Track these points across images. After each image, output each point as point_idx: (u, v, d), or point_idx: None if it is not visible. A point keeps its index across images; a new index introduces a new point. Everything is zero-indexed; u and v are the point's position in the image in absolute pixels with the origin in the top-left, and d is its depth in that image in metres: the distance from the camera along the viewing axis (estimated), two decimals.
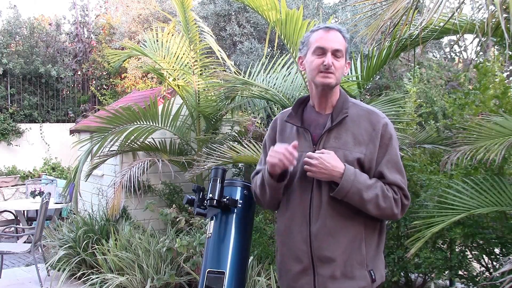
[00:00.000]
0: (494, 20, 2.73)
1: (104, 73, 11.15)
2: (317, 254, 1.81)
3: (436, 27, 3.34)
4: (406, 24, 2.80)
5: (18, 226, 6.84)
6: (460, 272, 3.62)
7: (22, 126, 9.83)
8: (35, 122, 10.17)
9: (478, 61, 3.88)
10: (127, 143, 5.22)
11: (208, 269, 1.89)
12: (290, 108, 1.99)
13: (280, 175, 1.85)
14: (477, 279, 3.57)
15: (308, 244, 1.82)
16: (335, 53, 1.82)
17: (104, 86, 11.20)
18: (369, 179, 1.79)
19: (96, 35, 11.65)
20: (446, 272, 3.62)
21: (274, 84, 4.56)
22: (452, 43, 7.55)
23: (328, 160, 1.75)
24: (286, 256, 1.91)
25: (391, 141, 1.84)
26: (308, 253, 1.82)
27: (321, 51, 1.82)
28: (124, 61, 5.60)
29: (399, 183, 1.82)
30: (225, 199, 1.93)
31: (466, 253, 3.64)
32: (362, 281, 1.79)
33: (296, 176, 1.87)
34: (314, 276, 1.82)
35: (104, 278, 4.34)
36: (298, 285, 1.86)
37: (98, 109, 7.12)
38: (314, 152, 1.82)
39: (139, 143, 5.30)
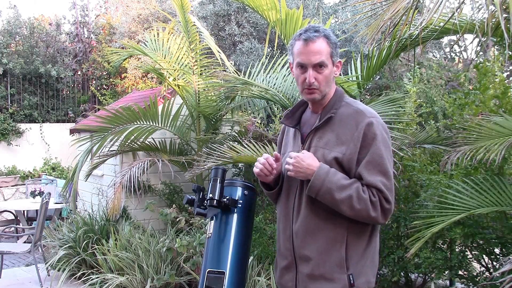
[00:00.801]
0: (494, 20, 2.73)
1: (104, 73, 11.15)
2: (297, 252, 1.85)
3: (436, 27, 3.35)
4: (406, 24, 2.80)
5: (18, 226, 6.84)
6: (460, 272, 3.62)
7: (22, 126, 9.83)
8: (35, 122, 10.17)
9: (478, 61, 3.87)
10: (127, 143, 5.22)
11: (208, 269, 1.88)
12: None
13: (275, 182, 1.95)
14: (477, 279, 3.57)
15: (291, 242, 1.87)
16: (316, 66, 1.80)
17: (104, 86, 11.20)
18: (345, 179, 1.75)
19: (96, 35, 11.65)
20: (446, 272, 3.62)
21: (274, 84, 4.56)
22: (452, 43, 7.55)
23: (304, 159, 1.78)
24: (277, 253, 2.00)
25: (375, 141, 1.76)
26: (291, 250, 1.87)
27: (302, 66, 1.82)
28: (124, 60, 5.61)
29: (379, 185, 1.73)
30: (225, 199, 1.93)
31: (466, 253, 3.64)
32: (339, 284, 1.77)
33: (285, 175, 1.92)
34: (296, 273, 1.86)
35: (104, 278, 4.34)
36: (283, 281, 1.92)
37: (98, 109, 7.12)
38: (300, 151, 1.85)
39: (139, 143, 5.30)
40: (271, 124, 5.82)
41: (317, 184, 1.74)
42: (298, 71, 1.84)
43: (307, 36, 1.80)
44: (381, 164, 1.76)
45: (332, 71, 1.85)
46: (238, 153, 3.98)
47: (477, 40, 2.97)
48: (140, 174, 4.87)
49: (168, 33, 5.47)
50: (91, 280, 4.44)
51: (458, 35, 3.59)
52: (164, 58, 5.36)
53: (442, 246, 3.81)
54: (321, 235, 1.80)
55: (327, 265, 1.78)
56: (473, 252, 3.71)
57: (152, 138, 5.36)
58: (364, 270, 1.82)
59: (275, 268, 2.02)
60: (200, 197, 1.98)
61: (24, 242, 6.39)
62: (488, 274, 3.60)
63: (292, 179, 1.88)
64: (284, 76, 4.60)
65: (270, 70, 4.83)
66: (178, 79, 5.36)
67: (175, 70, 5.29)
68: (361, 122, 1.79)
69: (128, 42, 7.97)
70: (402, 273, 3.93)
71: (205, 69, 5.31)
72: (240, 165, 5.55)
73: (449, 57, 7.63)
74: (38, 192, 6.87)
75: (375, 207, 1.73)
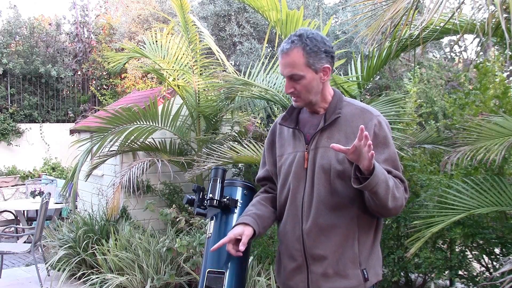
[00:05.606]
0: (494, 20, 2.73)
1: (104, 73, 11.15)
2: (309, 252, 1.83)
3: (436, 27, 3.35)
4: (406, 24, 2.80)
5: (18, 226, 6.84)
6: (460, 272, 3.62)
7: (22, 126, 9.83)
8: (35, 122, 10.17)
9: (478, 61, 3.88)
10: (127, 143, 5.22)
11: (208, 269, 1.88)
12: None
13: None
14: (477, 279, 3.57)
15: (301, 242, 1.84)
16: (292, 77, 1.82)
17: (104, 86, 11.20)
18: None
19: (96, 35, 11.65)
20: (446, 272, 3.62)
21: (274, 84, 4.56)
22: (452, 43, 7.56)
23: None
24: (282, 254, 1.95)
25: (386, 140, 1.82)
26: (301, 251, 1.85)
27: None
28: (124, 64, 5.62)
29: (402, 176, 1.81)
30: (225, 199, 1.93)
31: (466, 253, 3.64)
32: (354, 280, 1.80)
33: (290, 176, 1.89)
34: (307, 273, 1.84)
35: (104, 278, 4.34)
36: (293, 282, 1.89)
37: (98, 110, 7.13)
38: (306, 151, 1.85)
39: (139, 143, 5.30)
40: (271, 124, 5.82)
41: (379, 171, 1.65)
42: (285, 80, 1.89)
43: (282, 47, 1.83)
44: (395, 161, 1.83)
45: (314, 79, 1.82)
46: (238, 153, 3.99)
47: (477, 40, 2.97)
48: (140, 174, 4.87)
49: (168, 33, 5.47)
50: (91, 280, 4.44)
51: (458, 35, 3.58)
52: (164, 58, 5.35)
53: (442, 246, 3.81)
54: (335, 233, 1.80)
55: (341, 263, 1.80)
56: (473, 252, 3.71)
57: (152, 138, 5.36)
58: (373, 263, 1.85)
59: (278, 270, 1.99)
60: (200, 197, 1.98)
61: (24, 242, 6.39)
62: (488, 274, 3.60)
63: (300, 179, 1.86)
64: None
65: (270, 70, 4.83)
66: (178, 79, 5.36)
67: (174, 70, 5.29)
68: (370, 121, 1.82)
69: (127, 43, 7.99)
70: (402, 273, 3.92)
71: (205, 69, 5.31)
72: (240, 165, 5.55)
73: (449, 57, 7.64)
74: (38, 192, 6.87)
75: (407, 192, 1.80)
